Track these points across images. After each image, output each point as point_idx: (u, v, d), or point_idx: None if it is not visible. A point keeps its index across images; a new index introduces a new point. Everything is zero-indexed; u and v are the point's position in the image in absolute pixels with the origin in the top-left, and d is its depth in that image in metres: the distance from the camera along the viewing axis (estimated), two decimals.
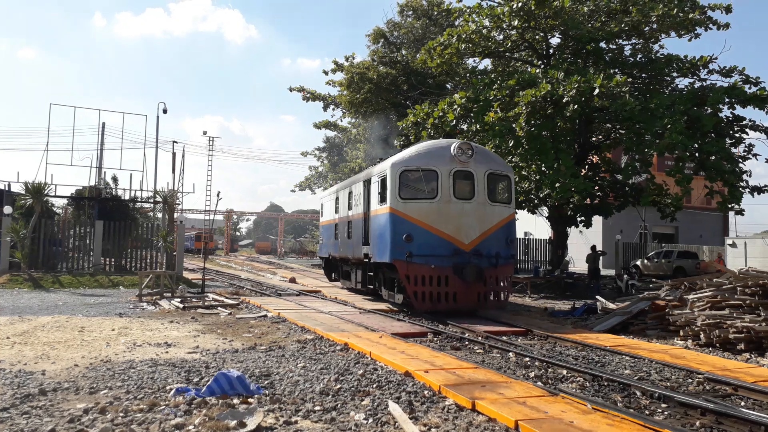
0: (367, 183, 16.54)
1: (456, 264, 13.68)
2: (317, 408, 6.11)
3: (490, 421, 5.77)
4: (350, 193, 18.56)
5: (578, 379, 7.79)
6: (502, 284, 14.30)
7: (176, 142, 73.85)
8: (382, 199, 14.83)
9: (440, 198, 14.08)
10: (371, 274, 16.53)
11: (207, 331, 11.90)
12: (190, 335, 11.18)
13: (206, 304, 16.57)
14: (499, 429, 5.54)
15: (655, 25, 22.92)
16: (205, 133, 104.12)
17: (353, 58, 33.85)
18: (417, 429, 5.40)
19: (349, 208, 18.49)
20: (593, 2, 23.33)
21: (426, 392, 6.81)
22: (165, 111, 34.58)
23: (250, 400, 6.38)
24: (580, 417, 5.70)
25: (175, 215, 27.60)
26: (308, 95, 37.67)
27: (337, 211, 20.54)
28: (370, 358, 8.84)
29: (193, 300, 17.55)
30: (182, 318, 13.85)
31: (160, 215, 32.36)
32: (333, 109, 38.25)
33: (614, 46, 24.93)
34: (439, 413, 6.03)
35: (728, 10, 22.37)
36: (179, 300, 17.25)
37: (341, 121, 41.33)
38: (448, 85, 31.58)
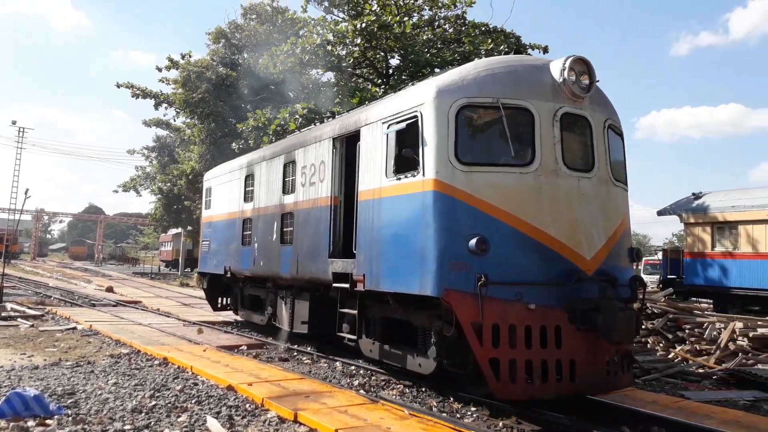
0: (349, 140, 9.05)
1: (572, 300, 6.64)
2: (127, 427, 5.67)
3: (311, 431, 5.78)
4: (289, 164, 10.68)
5: (398, 386, 8.11)
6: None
7: None
8: (406, 167, 7.32)
9: (539, 165, 6.85)
10: (349, 312, 8.76)
11: (2, 345, 10.51)
12: None
13: (3, 314, 14.64)
14: None
15: (483, 57, 24.97)
16: (14, 122, 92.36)
17: (190, 56, 32.35)
18: None
19: (286, 190, 10.73)
20: (431, 31, 24.82)
21: (248, 406, 6.64)
22: None
23: (48, 421, 5.75)
24: (398, 423, 5.94)
25: None
26: (138, 92, 35.24)
27: (249, 198, 12.42)
28: (191, 373, 8.42)
29: None
30: None
31: None
32: (166, 108, 36.15)
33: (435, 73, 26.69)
34: (260, 426, 5.91)
35: (545, 50, 25.09)
36: None
37: (174, 120, 39.24)
38: (290, 93, 31.48)
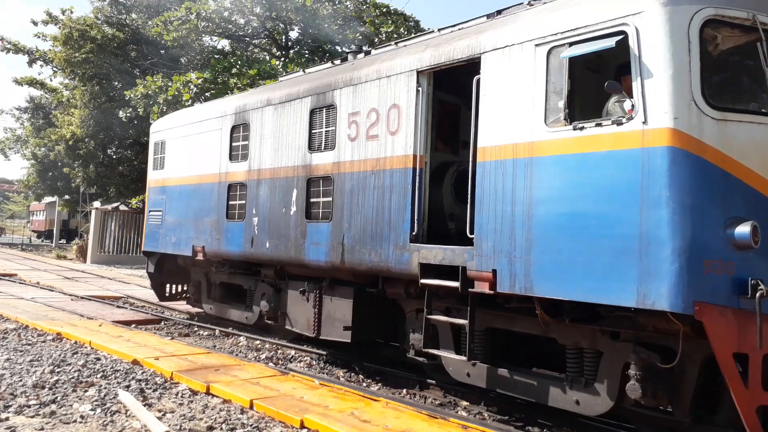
0: (445, 75, 6.75)
1: None
2: (32, 402, 5.54)
3: (226, 402, 5.95)
4: (322, 110, 7.86)
5: (306, 358, 8.41)
6: None
7: None
8: (591, 111, 5.34)
9: None
10: (447, 321, 6.28)
11: None
12: None
13: None
14: (235, 409, 5.76)
15: (384, 38, 25.36)
16: None
17: (72, 12, 29.94)
18: (152, 415, 5.31)
19: (316, 146, 7.88)
20: (332, 6, 24.77)
21: (158, 379, 6.66)
22: None
23: None
24: (310, 392, 6.25)
25: None
26: (9, 46, 32.15)
27: (238, 157, 9.34)
28: (90, 348, 8.19)
29: None
30: None
31: None
32: (42, 66, 33.28)
33: (348, 50, 26.85)
34: (173, 398, 5.99)
35: None
36: None
37: (51, 80, 36.20)
38: (182, 60, 30.14)
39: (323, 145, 7.72)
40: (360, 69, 7.41)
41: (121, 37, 28.67)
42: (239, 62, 22.60)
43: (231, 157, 9.46)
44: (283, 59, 24.77)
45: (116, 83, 29.56)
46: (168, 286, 12.07)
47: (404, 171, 6.54)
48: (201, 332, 10.31)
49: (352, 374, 7.67)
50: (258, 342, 9.44)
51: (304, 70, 9.76)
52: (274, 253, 8.36)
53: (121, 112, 24.23)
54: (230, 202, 9.37)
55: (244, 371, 7.06)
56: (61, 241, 43.58)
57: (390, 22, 24.32)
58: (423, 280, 6.12)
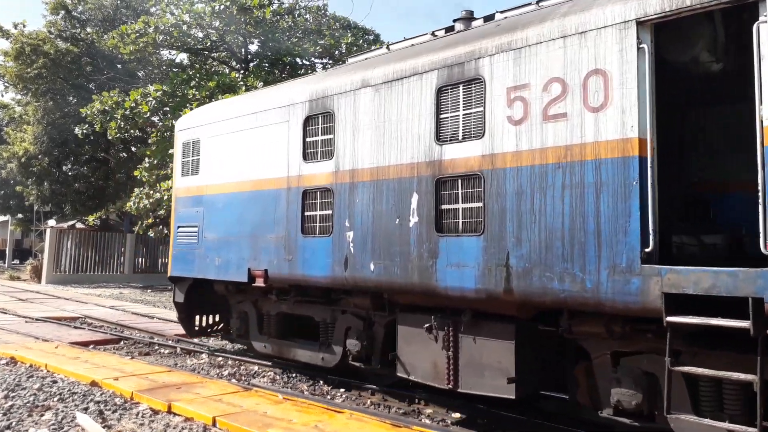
0: (678, 25, 5.11)
1: None
2: None
3: (188, 421, 5.88)
4: (457, 86, 6.03)
5: (269, 373, 8.36)
6: None
7: None
8: None
9: None
10: (718, 377, 4.45)
11: None
12: None
13: None
14: (198, 427, 5.70)
15: (344, 50, 25.51)
16: None
17: (24, 26, 29.27)
18: None
19: (447, 135, 6.09)
20: (291, 19, 24.86)
21: (117, 400, 6.54)
22: None
23: None
24: (273, 407, 6.23)
25: None
26: None
27: (317, 156, 7.47)
28: (46, 371, 7.98)
29: None
30: None
31: None
32: None
33: (308, 62, 26.93)
34: (134, 419, 5.89)
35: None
36: None
37: (2, 96, 35.24)
38: (140, 74, 29.73)
39: (463, 134, 5.89)
40: (525, 28, 5.57)
41: (75, 52, 28.18)
42: (198, 75, 22.45)
43: (306, 156, 7.50)
44: (243, 72, 24.69)
45: (71, 98, 28.97)
46: (199, 318, 9.86)
47: (622, 161, 4.78)
48: (162, 350, 10.15)
49: (317, 387, 7.67)
50: (221, 359, 9.34)
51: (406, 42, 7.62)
52: (381, 278, 6.46)
53: (77, 129, 23.68)
54: (306, 213, 7.43)
55: (207, 388, 6.98)
56: (14, 262, 42.18)
57: (350, 34, 24.54)
58: (672, 318, 4.39)
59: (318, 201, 7.31)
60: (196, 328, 9.83)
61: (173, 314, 14.85)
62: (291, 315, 8.27)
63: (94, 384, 7.19)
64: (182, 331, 11.61)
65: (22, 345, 9.67)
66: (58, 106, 28.29)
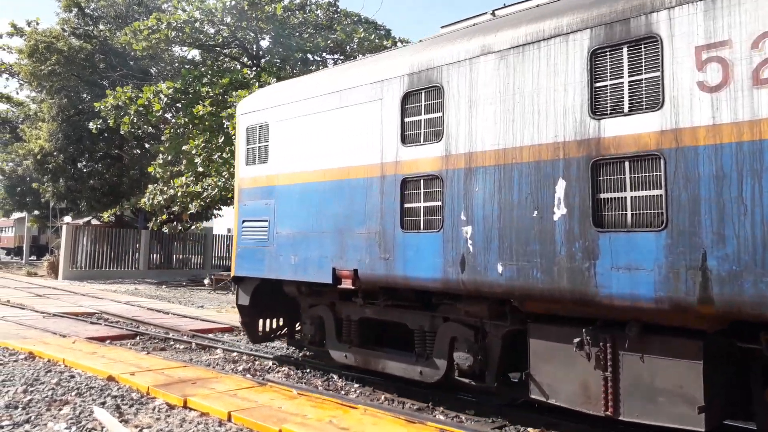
0: None
1: None
2: (5, 423, 5.47)
3: (203, 416, 5.93)
4: (617, 48, 4.98)
5: (284, 368, 8.40)
6: None
7: None
8: None
9: None
10: None
11: None
12: None
13: None
14: (213, 422, 5.74)
15: (356, 46, 25.47)
16: None
17: (37, 24, 29.54)
18: (129, 431, 5.27)
19: (609, 107, 5.00)
20: (302, 15, 24.85)
21: (134, 395, 6.60)
22: None
23: None
24: (288, 402, 6.26)
25: None
26: None
27: (420, 138, 6.41)
28: (64, 365, 8.07)
29: None
30: None
31: None
32: (7, 79, 32.76)
33: (319, 58, 26.93)
34: (150, 413, 5.95)
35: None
36: None
37: (17, 93, 35.63)
38: (152, 70, 29.91)
39: (630, 105, 4.87)
40: None
41: (88, 49, 28.37)
42: (210, 72, 22.53)
43: (404, 139, 6.50)
44: (254, 68, 24.73)
45: (85, 95, 29.20)
46: (263, 322, 9.01)
47: None
48: (177, 346, 10.23)
49: (331, 382, 7.69)
50: (235, 354, 9.40)
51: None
52: (514, 282, 5.44)
53: (91, 124, 23.89)
54: (406, 205, 6.44)
55: (222, 384, 7.03)
56: (31, 258, 42.74)
57: (361, 29, 24.48)
58: None
59: (422, 191, 6.32)
60: (260, 334, 9.01)
61: (188, 310, 15.00)
62: (376, 321, 7.34)
63: (111, 379, 7.27)
64: (197, 326, 11.82)
65: (39, 340, 9.80)
66: (72, 103, 28.53)
